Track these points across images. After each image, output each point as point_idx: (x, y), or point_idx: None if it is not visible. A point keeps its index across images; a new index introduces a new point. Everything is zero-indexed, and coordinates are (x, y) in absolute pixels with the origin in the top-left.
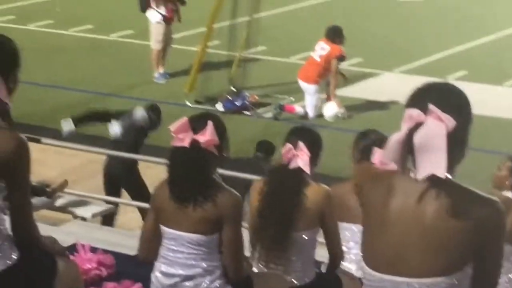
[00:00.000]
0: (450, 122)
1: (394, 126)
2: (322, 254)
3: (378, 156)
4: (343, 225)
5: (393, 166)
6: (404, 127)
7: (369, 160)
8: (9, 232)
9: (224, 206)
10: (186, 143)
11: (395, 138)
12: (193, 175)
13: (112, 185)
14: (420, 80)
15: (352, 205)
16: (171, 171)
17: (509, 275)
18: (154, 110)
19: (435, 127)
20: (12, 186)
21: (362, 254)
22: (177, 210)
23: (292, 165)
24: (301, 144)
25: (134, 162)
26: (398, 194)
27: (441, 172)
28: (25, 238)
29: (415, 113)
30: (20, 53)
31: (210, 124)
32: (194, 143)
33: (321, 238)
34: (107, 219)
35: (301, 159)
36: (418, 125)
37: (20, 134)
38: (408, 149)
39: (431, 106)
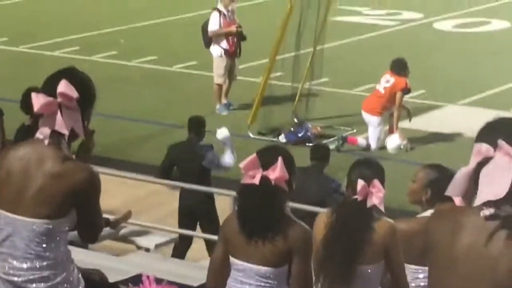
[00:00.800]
0: None
1: (457, 158)
2: None
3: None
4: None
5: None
6: (473, 161)
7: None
8: (75, 263)
9: (294, 239)
10: (256, 180)
11: (463, 172)
12: (263, 212)
13: (189, 218)
14: (483, 113)
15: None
16: (240, 207)
17: None
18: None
19: (504, 163)
20: (83, 217)
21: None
22: (246, 243)
23: (369, 203)
24: (376, 182)
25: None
26: (467, 232)
27: (508, 209)
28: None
29: (484, 147)
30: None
31: (280, 160)
32: (265, 180)
33: None
34: (178, 251)
35: (377, 196)
36: (486, 160)
37: (91, 168)
38: (475, 184)
39: (500, 142)
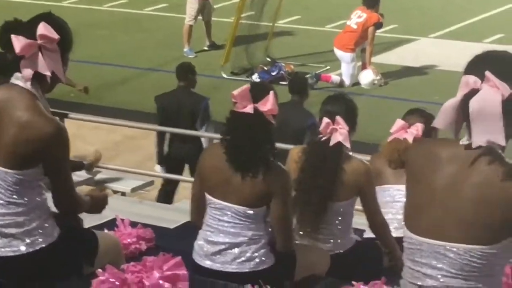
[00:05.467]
0: (506, 90)
1: (431, 92)
2: (363, 222)
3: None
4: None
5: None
6: (460, 93)
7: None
8: (51, 210)
9: (272, 180)
10: (249, 109)
11: (449, 103)
12: (257, 144)
13: (178, 167)
14: (455, 45)
15: (388, 175)
16: (232, 137)
17: None
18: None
19: (491, 94)
20: (50, 170)
21: (404, 218)
22: (226, 180)
23: (333, 141)
24: (338, 118)
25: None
26: (445, 160)
27: (499, 139)
28: (67, 211)
29: (471, 79)
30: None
31: (271, 94)
32: (257, 111)
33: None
34: (165, 197)
35: (340, 133)
36: (473, 92)
37: (58, 121)
38: (462, 116)
39: (488, 73)
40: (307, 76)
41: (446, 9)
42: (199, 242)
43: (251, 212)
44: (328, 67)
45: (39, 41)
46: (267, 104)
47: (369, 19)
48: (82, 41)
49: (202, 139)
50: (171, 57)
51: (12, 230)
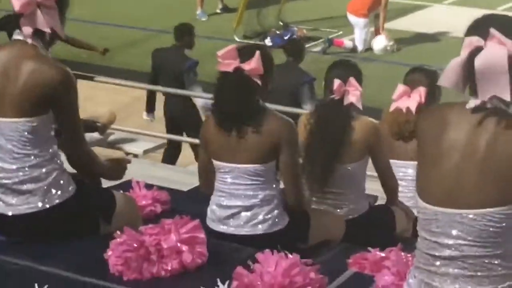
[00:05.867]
0: (511, 46)
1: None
2: (376, 188)
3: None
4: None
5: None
6: (464, 52)
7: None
8: (65, 165)
9: (278, 132)
10: (231, 68)
11: (455, 62)
12: (238, 98)
13: (174, 126)
14: (469, 12)
15: (390, 148)
16: (216, 97)
17: None
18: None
19: (497, 50)
20: (61, 115)
21: (416, 188)
22: (228, 141)
23: (346, 101)
24: (352, 79)
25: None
26: (453, 125)
27: (506, 94)
28: (83, 170)
29: (474, 39)
30: None
31: (257, 53)
32: (239, 69)
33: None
34: (168, 158)
35: (354, 94)
36: (478, 49)
37: (64, 66)
38: (468, 73)
39: (492, 30)
40: (320, 41)
41: None
42: (211, 207)
43: (261, 168)
44: (341, 32)
45: None
46: (251, 63)
47: None
48: (93, 2)
49: (195, 101)
50: (183, 19)
51: (29, 186)
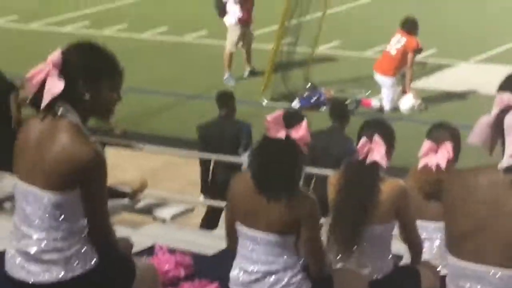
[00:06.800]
0: None
1: (471, 116)
2: (401, 248)
3: (426, 149)
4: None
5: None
6: (495, 110)
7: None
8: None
9: (301, 210)
10: (281, 135)
11: (484, 119)
12: (285, 167)
13: (220, 192)
14: (496, 69)
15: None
16: (259, 161)
17: None
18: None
19: None
20: (87, 195)
21: (447, 245)
22: (254, 207)
23: (369, 159)
24: (377, 137)
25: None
26: (485, 185)
27: None
28: (101, 242)
29: (505, 96)
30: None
31: (305, 121)
32: (289, 137)
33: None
34: (208, 222)
35: (377, 151)
36: (509, 107)
37: (95, 145)
38: (498, 132)
39: None
40: (347, 102)
41: (485, 32)
42: (234, 272)
43: (280, 239)
44: (368, 92)
45: (47, 67)
46: (300, 131)
47: (408, 44)
48: (123, 69)
49: (243, 166)
50: (211, 84)
51: (51, 256)
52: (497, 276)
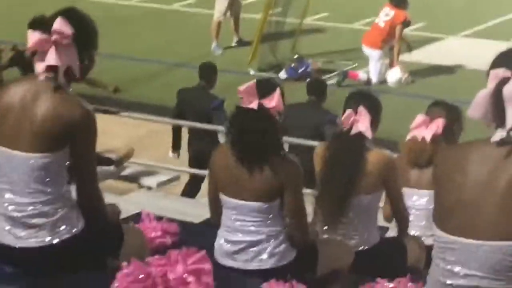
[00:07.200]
0: None
1: (459, 90)
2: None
3: (418, 122)
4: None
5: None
6: (491, 84)
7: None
8: (75, 201)
9: (284, 174)
10: (253, 105)
11: (482, 94)
12: (263, 138)
13: (198, 163)
14: (484, 44)
15: (408, 177)
16: (237, 133)
17: None
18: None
19: None
20: (76, 154)
21: (433, 217)
22: (236, 177)
23: (354, 131)
24: (361, 108)
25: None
26: (476, 159)
27: None
28: (90, 206)
29: (501, 71)
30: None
31: (278, 90)
32: (262, 106)
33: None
34: (190, 193)
35: (362, 123)
36: (505, 80)
37: (87, 105)
38: (496, 104)
39: None
40: (335, 73)
41: (474, 7)
42: (219, 242)
43: (265, 206)
44: (356, 64)
45: (53, 36)
46: (273, 101)
47: (396, 17)
48: (110, 35)
49: (219, 137)
50: (198, 53)
51: (38, 221)
52: (485, 248)
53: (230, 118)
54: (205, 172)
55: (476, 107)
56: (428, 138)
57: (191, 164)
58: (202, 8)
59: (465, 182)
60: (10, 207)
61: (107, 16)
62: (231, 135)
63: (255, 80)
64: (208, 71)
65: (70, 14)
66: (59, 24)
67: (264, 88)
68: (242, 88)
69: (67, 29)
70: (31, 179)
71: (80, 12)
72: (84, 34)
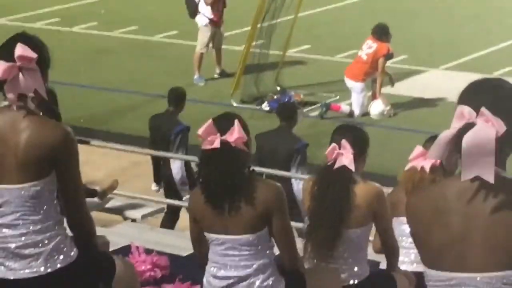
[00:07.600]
0: (501, 127)
1: (440, 123)
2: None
3: (417, 154)
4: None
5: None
6: (455, 125)
7: None
8: (69, 230)
9: (267, 199)
10: (216, 145)
11: (444, 136)
12: (227, 175)
13: (172, 190)
14: (465, 77)
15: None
16: (204, 175)
17: None
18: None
19: (485, 131)
20: (63, 177)
21: (423, 261)
22: (219, 215)
23: (337, 165)
24: (344, 142)
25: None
26: (454, 200)
27: (489, 177)
28: (81, 230)
29: (466, 111)
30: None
31: (236, 122)
32: (225, 144)
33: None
34: (167, 224)
35: (346, 157)
36: (468, 126)
37: (64, 125)
38: (457, 148)
39: (483, 109)
40: (317, 105)
41: (456, 41)
42: (207, 278)
43: (253, 237)
44: (338, 97)
45: (18, 63)
46: (234, 134)
47: (379, 49)
48: (92, 67)
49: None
50: (180, 84)
51: (31, 251)
52: (485, 281)
53: (197, 163)
54: (179, 202)
55: (437, 149)
56: (427, 168)
57: (165, 192)
58: (185, 39)
59: (449, 221)
60: (4, 240)
61: (90, 47)
62: (200, 182)
63: (211, 119)
64: (176, 97)
65: (26, 39)
66: (21, 49)
67: (222, 123)
68: (201, 129)
69: (31, 53)
70: (22, 209)
71: (31, 35)
72: (43, 55)
